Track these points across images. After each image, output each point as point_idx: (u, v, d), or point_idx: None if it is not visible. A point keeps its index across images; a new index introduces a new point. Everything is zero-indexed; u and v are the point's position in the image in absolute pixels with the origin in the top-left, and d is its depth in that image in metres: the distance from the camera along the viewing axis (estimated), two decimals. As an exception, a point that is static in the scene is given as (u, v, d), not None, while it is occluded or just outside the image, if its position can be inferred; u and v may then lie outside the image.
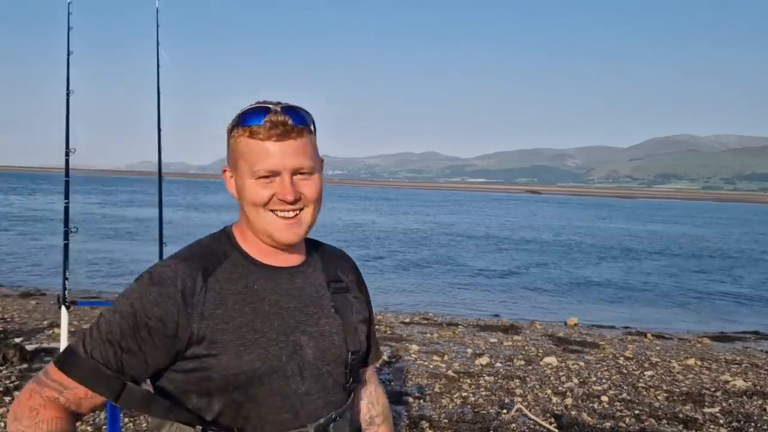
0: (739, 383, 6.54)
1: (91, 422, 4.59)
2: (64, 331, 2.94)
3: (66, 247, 3.05)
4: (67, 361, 1.11)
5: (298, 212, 1.23)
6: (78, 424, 4.32)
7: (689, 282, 17.53)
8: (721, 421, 5.35)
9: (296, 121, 1.18)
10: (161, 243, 3.31)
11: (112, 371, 1.10)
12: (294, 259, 1.30)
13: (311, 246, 1.38)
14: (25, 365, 5.81)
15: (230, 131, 1.22)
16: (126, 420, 4.61)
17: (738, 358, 8.03)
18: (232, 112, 1.21)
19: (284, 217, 1.21)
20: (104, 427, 4.12)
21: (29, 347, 6.34)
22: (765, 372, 7.31)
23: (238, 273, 1.22)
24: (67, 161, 3.12)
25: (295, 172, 1.20)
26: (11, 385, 5.27)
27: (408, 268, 18.16)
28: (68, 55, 3.13)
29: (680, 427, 5.15)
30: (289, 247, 1.27)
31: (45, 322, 7.86)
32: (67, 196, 3.11)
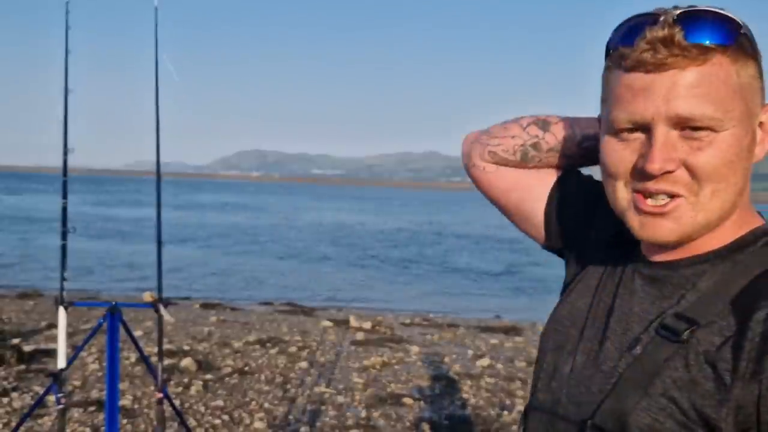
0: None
1: (90, 423, 4.57)
2: (61, 332, 2.91)
3: (64, 247, 3.02)
4: None
5: (671, 198, 0.76)
6: (77, 425, 4.29)
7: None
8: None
9: (696, 36, 0.71)
10: (159, 243, 3.28)
11: None
12: (675, 254, 0.82)
13: (741, 252, 0.79)
14: (22, 366, 5.79)
15: (604, 58, 0.81)
16: (124, 421, 4.59)
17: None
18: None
19: (648, 204, 0.77)
20: (102, 428, 4.09)
21: (27, 348, 6.32)
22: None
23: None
24: (65, 161, 3.10)
25: (678, 124, 0.73)
26: (9, 386, 5.24)
27: (409, 267, 18.15)
28: (66, 54, 3.11)
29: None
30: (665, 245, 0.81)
31: (43, 323, 7.84)
32: (65, 196, 3.08)
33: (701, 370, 0.70)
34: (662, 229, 0.77)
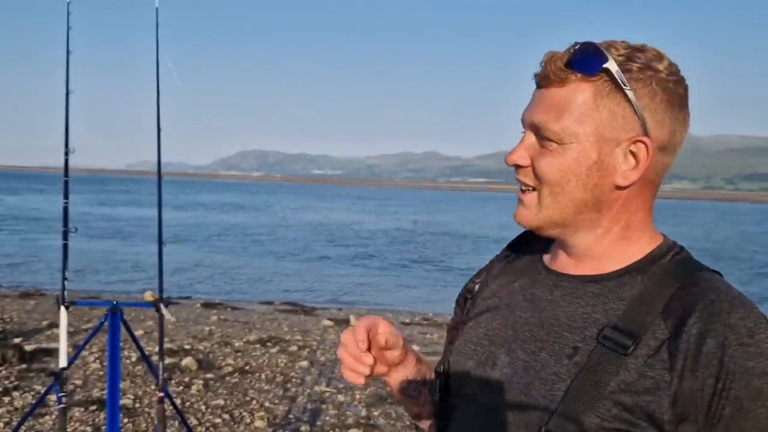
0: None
1: (91, 422, 4.58)
2: (63, 332, 2.92)
3: (65, 247, 3.03)
4: None
5: (528, 189, 0.90)
6: (78, 424, 4.31)
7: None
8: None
9: (570, 65, 0.83)
10: (160, 243, 3.30)
11: None
12: (581, 267, 0.92)
13: (664, 270, 0.87)
14: (24, 365, 5.81)
15: None
16: (125, 420, 4.61)
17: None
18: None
19: (518, 192, 0.93)
20: (103, 427, 4.11)
21: (28, 347, 6.33)
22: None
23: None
24: (66, 161, 3.11)
25: (534, 130, 0.88)
26: (10, 385, 5.26)
27: (408, 267, 18.16)
28: (68, 54, 3.12)
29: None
30: (568, 246, 0.93)
31: (44, 323, 7.86)
32: (66, 196, 3.09)
33: (642, 374, 0.79)
34: (521, 216, 0.91)
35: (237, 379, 5.86)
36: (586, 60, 0.83)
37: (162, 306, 3.15)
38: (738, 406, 0.75)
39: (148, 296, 10.01)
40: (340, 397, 5.45)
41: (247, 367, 6.26)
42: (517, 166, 0.90)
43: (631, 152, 0.85)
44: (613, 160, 0.85)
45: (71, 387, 5.24)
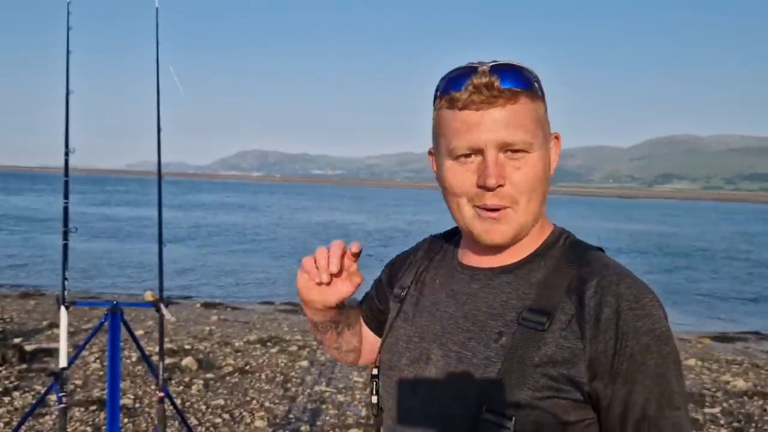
0: (740, 383, 6.53)
1: (91, 422, 4.59)
2: (63, 332, 2.92)
3: (65, 247, 3.04)
4: None
5: (502, 209, 0.96)
6: (78, 423, 4.31)
7: (689, 281, 17.53)
8: (722, 422, 5.34)
9: (507, 82, 0.93)
10: (161, 243, 3.30)
11: None
12: (493, 259, 1.03)
13: (562, 252, 1.01)
14: (24, 365, 5.81)
15: (433, 102, 1.02)
16: (125, 420, 4.61)
17: (738, 359, 8.02)
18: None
19: (488, 214, 0.97)
20: (104, 427, 4.11)
21: (28, 347, 6.34)
22: (766, 372, 7.30)
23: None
24: (66, 161, 3.11)
25: (502, 148, 0.94)
26: (10, 385, 5.26)
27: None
28: (68, 54, 3.12)
29: (681, 427, 5.14)
30: (499, 248, 1.02)
31: (44, 323, 7.86)
32: (66, 196, 3.10)
33: (560, 345, 0.90)
34: (498, 233, 0.97)
35: (237, 379, 5.86)
36: (520, 77, 0.95)
37: (162, 306, 3.15)
38: (632, 360, 0.89)
39: (148, 296, 10.02)
40: (340, 397, 5.45)
41: (247, 367, 6.26)
42: (497, 187, 0.95)
43: (551, 147, 1.01)
44: (549, 155, 1.00)
45: (71, 387, 5.24)
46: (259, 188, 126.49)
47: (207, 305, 10.29)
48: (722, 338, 9.79)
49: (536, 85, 0.97)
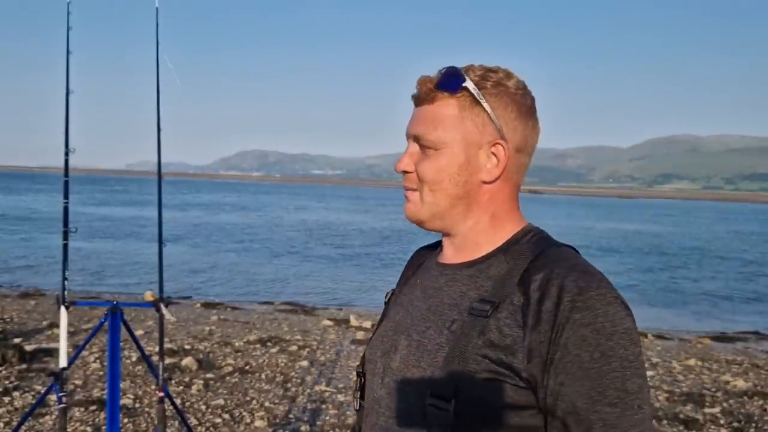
0: (740, 383, 6.54)
1: (91, 422, 4.59)
2: (63, 332, 2.92)
3: (65, 247, 3.04)
4: None
5: (412, 190, 1.09)
6: (78, 423, 4.31)
7: (688, 282, 17.53)
8: (722, 422, 5.34)
9: (440, 86, 1.03)
10: (161, 243, 3.30)
11: None
12: (460, 256, 1.09)
13: (521, 249, 1.04)
14: (24, 365, 5.81)
15: None
16: (125, 420, 4.61)
17: (739, 359, 8.03)
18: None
19: (405, 194, 1.12)
20: (104, 427, 4.11)
21: (28, 347, 6.34)
22: (766, 372, 7.31)
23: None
24: (66, 161, 3.11)
25: (415, 140, 1.07)
26: (10, 385, 5.26)
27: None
28: (68, 54, 3.12)
29: (681, 427, 5.14)
30: (452, 238, 1.10)
31: (44, 323, 7.86)
32: (66, 196, 3.10)
33: (502, 332, 0.94)
34: (408, 210, 1.10)
35: (237, 379, 5.86)
36: (449, 81, 1.02)
37: (162, 306, 3.15)
38: (565, 350, 0.90)
39: (148, 296, 10.02)
40: (340, 397, 5.45)
41: (247, 367, 6.26)
42: (404, 172, 1.08)
43: (493, 153, 1.04)
44: (478, 160, 1.04)
45: (71, 387, 5.24)
46: (260, 188, 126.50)
47: (207, 305, 10.30)
48: (722, 338, 9.80)
49: (467, 91, 1.02)
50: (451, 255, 1.11)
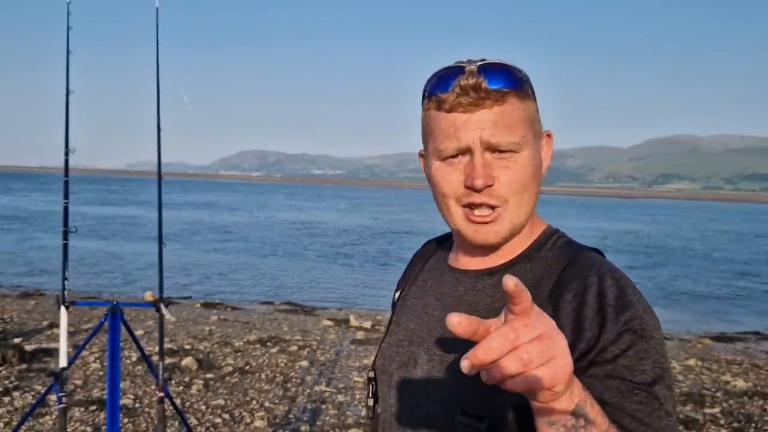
0: (740, 384, 6.54)
1: (91, 422, 4.59)
2: (63, 332, 2.92)
3: (65, 247, 3.04)
4: None
5: (492, 209, 0.96)
6: (78, 423, 4.30)
7: (688, 282, 17.53)
8: (722, 422, 5.34)
9: (495, 83, 0.92)
10: (161, 243, 3.30)
11: None
12: (479, 260, 1.03)
13: (552, 251, 1.00)
14: (24, 365, 5.81)
15: (421, 102, 1.01)
16: (125, 420, 4.61)
17: (738, 359, 8.03)
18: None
19: (476, 215, 0.96)
20: (104, 427, 4.11)
21: (28, 347, 6.34)
22: (765, 372, 7.31)
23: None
24: (66, 161, 3.11)
25: (490, 149, 0.94)
26: (10, 385, 5.26)
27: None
28: (68, 54, 3.12)
29: (681, 427, 5.14)
30: (490, 248, 1.01)
31: (44, 323, 7.86)
32: (66, 196, 3.10)
33: None
34: (491, 234, 0.96)
35: (237, 379, 5.86)
36: (508, 77, 0.93)
37: (162, 306, 3.15)
38: (612, 353, 0.86)
39: (148, 296, 10.02)
40: (340, 397, 5.45)
41: (247, 367, 6.26)
42: (486, 187, 0.94)
43: (547, 145, 1.01)
44: (540, 154, 0.99)
45: (71, 387, 5.24)
46: (260, 188, 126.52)
47: (207, 305, 10.29)
48: (722, 338, 9.79)
49: (525, 84, 0.95)
50: (466, 259, 1.04)
